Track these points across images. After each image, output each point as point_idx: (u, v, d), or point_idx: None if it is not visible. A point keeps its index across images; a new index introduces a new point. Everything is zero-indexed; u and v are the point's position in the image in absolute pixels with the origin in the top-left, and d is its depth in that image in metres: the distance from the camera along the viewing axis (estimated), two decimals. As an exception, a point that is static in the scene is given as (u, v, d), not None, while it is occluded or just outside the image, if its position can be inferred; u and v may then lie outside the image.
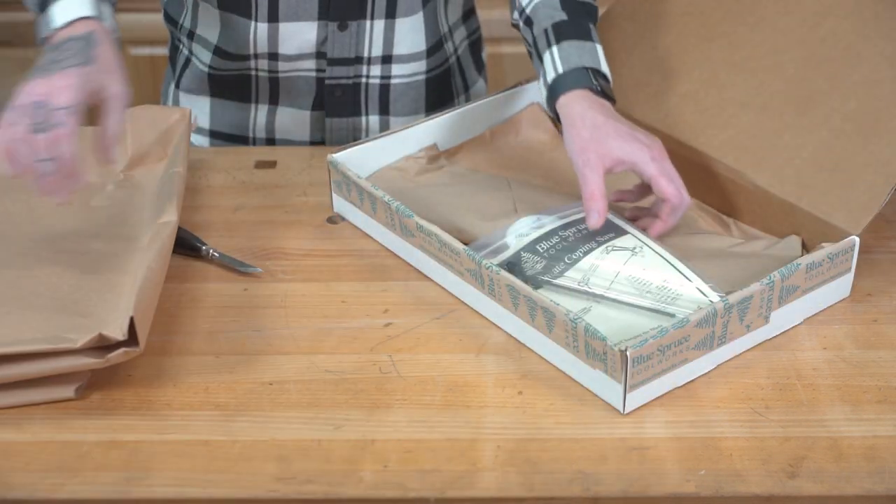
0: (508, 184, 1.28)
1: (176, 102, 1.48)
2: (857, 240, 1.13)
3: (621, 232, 1.16)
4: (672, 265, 1.11)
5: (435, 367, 1.07)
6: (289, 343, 1.10)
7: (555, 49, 1.20)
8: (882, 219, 1.26)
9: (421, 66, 1.43)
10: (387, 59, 1.40)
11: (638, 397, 1.01)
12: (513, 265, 1.13)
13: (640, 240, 1.14)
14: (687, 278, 1.10)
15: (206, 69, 1.42)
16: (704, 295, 1.09)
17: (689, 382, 1.05)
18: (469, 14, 1.51)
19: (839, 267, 1.13)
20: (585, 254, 1.13)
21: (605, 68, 1.21)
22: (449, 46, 1.47)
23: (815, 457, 0.96)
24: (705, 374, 1.06)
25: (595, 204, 1.13)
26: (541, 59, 1.22)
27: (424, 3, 1.38)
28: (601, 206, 1.13)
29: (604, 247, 1.14)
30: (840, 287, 1.14)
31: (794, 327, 1.12)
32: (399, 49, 1.40)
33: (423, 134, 1.34)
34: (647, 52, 1.33)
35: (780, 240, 1.19)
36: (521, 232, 1.19)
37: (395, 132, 1.32)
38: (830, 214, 1.15)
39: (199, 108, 1.46)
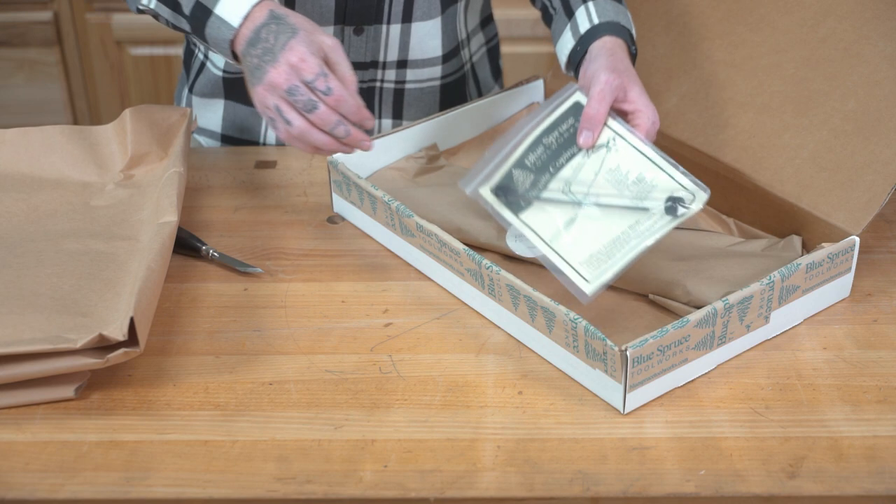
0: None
1: (189, 107, 1.48)
2: (857, 240, 1.13)
3: None
4: (644, 155, 1.12)
5: (435, 367, 1.07)
6: (289, 343, 1.10)
7: (591, 4, 1.21)
8: (882, 219, 1.26)
9: (436, 71, 1.43)
10: (402, 64, 1.40)
11: (638, 397, 1.01)
12: (505, 188, 1.14)
13: (612, 130, 1.14)
14: (660, 167, 1.11)
15: (220, 73, 1.42)
16: (678, 182, 1.10)
17: (689, 382, 1.05)
18: (487, 21, 1.51)
19: (839, 267, 1.13)
20: (568, 159, 1.14)
21: (634, 32, 1.23)
22: (465, 53, 1.47)
23: (815, 457, 0.96)
24: (705, 374, 1.06)
25: (593, 126, 1.13)
26: (570, 15, 1.23)
27: (443, 8, 1.38)
28: (598, 130, 1.14)
29: (584, 149, 1.15)
30: (840, 287, 1.14)
31: (794, 327, 1.12)
32: (414, 54, 1.40)
33: (423, 134, 1.34)
34: (647, 52, 1.33)
35: (780, 240, 1.19)
36: (521, 232, 1.19)
37: (395, 132, 1.32)
38: (830, 214, 1.15)
39: (213, 112, 1.46)
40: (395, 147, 1.33)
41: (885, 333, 1.11)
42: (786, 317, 1.10)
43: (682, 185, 1.10)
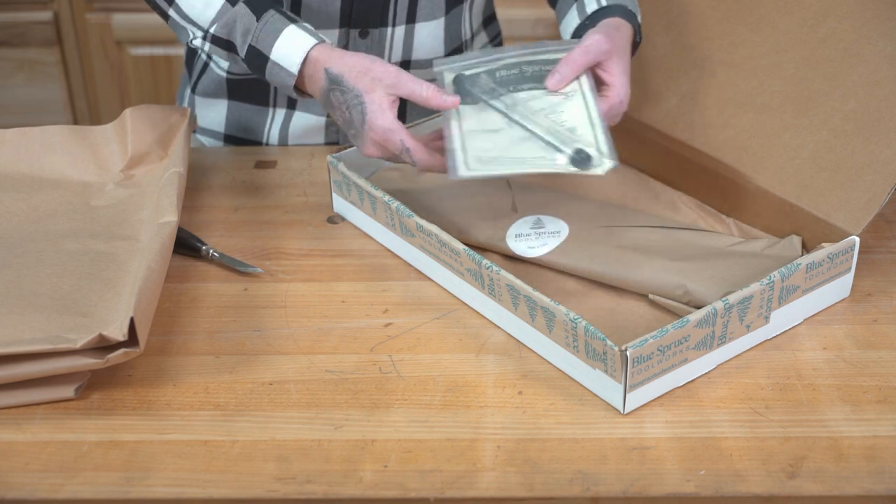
0: (508, 184, 1.28)
1: (192, 107, 1.47)
2: (857, 240, 1.13)
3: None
4: (590, 116, 1.15)
5: (435, 367, 1.07)
6: (289, 343, 1.10)
7: None
8: (882, 219, 1.26)
9: None
10: (405, 65, 1.40)
11: (638, 397, 1.01)
12: (466, 84, 1.18)
13: (580, 86, 1.18)
14: (593, 127, 1.14)
15: (223, 74, 1.42)
16: (596, 142, 1.13)
17: (689, 382, 1.05)
18: (490, 20, 1.51)
19: (839, 267, 1.13)
20: (529, 89, 1.18)
21: (640, 21, 1.26)
22: None
23: (815, 457, 0.96)
24: (705, 374, 1.06)
25: (567, 72, 1.17)
26: None
27: (448, 8, 1.38)
28: (569, 78, 1.17)
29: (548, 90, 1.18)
30: (840, 287, 1.14)
31: (794, 327, 1.12)
32: (417, 55, 1.40)
33: (423, 134, 1.34)
34: (648, 52, 1.33)
35: (780, 240, 1.19)
36: (521, 232, 1.19)
37: (395, 132, 1.32)
38: (830, 214, 1.15)
39: (217, 112, 1.46)
40: (395, 147, 1.32)
41: (885, 333, 1.11)
42: (786, 317, 1.10)
43: (598, 147, 1.12)
